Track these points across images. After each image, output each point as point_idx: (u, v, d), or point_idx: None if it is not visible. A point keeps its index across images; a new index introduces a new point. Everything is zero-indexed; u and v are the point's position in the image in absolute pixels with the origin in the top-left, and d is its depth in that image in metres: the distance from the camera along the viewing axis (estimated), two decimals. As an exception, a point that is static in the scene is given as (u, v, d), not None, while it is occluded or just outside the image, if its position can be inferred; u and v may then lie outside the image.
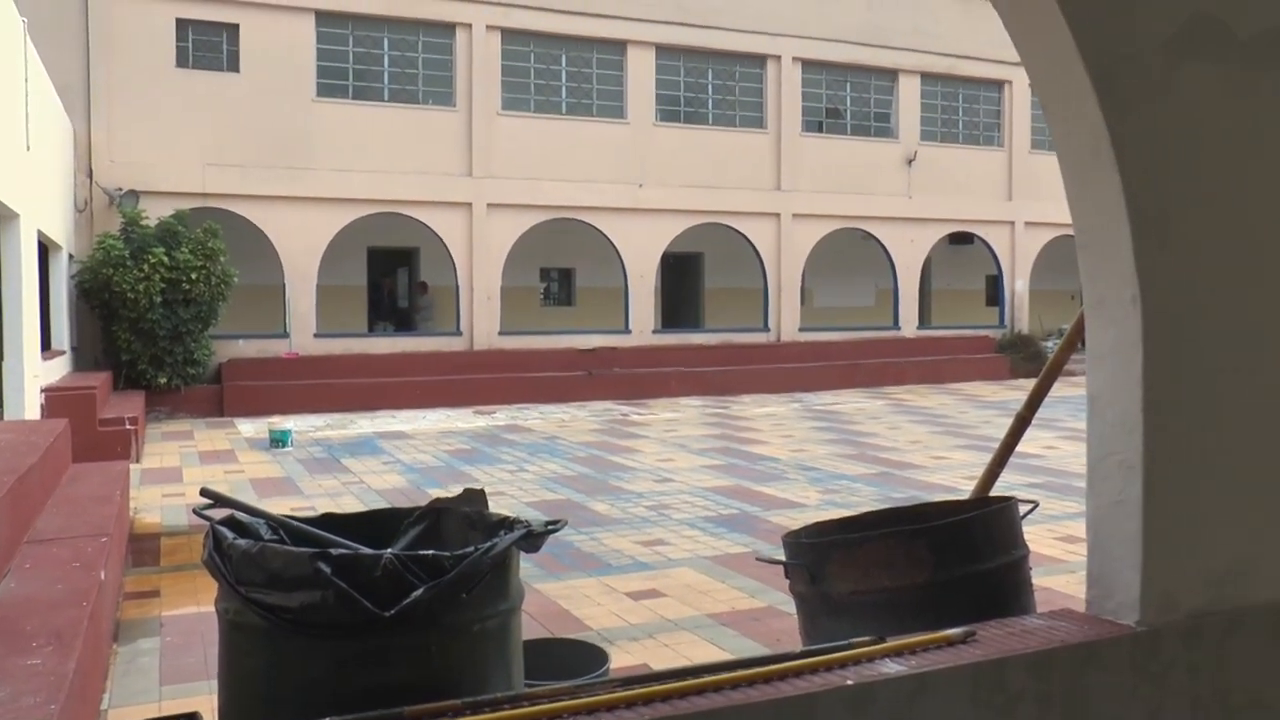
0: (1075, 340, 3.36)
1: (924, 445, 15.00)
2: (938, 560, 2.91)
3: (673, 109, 26.01)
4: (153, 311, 18.40)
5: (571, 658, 2.88)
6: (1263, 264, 2.83)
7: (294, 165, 21.58)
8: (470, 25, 23.37)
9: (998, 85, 29.75)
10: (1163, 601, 2.65)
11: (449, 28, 23.40)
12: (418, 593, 2.04)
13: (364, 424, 18.15)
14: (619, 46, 25.09)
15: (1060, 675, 2.46)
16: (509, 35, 23.98)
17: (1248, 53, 2.76)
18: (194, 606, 6.69)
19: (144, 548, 8.64)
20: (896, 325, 28.38)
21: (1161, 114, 2.63)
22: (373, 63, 23.07)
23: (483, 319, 23.48)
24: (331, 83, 22.45)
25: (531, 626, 5.89)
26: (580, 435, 16.46)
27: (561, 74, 24.82)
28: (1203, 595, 2.72)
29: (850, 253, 29.06)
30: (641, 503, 10.48)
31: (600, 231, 24.60)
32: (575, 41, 24.69)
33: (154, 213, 19.41)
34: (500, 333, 23.75)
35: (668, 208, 25.06)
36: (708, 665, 2.33)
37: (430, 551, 2.15)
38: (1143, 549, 2.62)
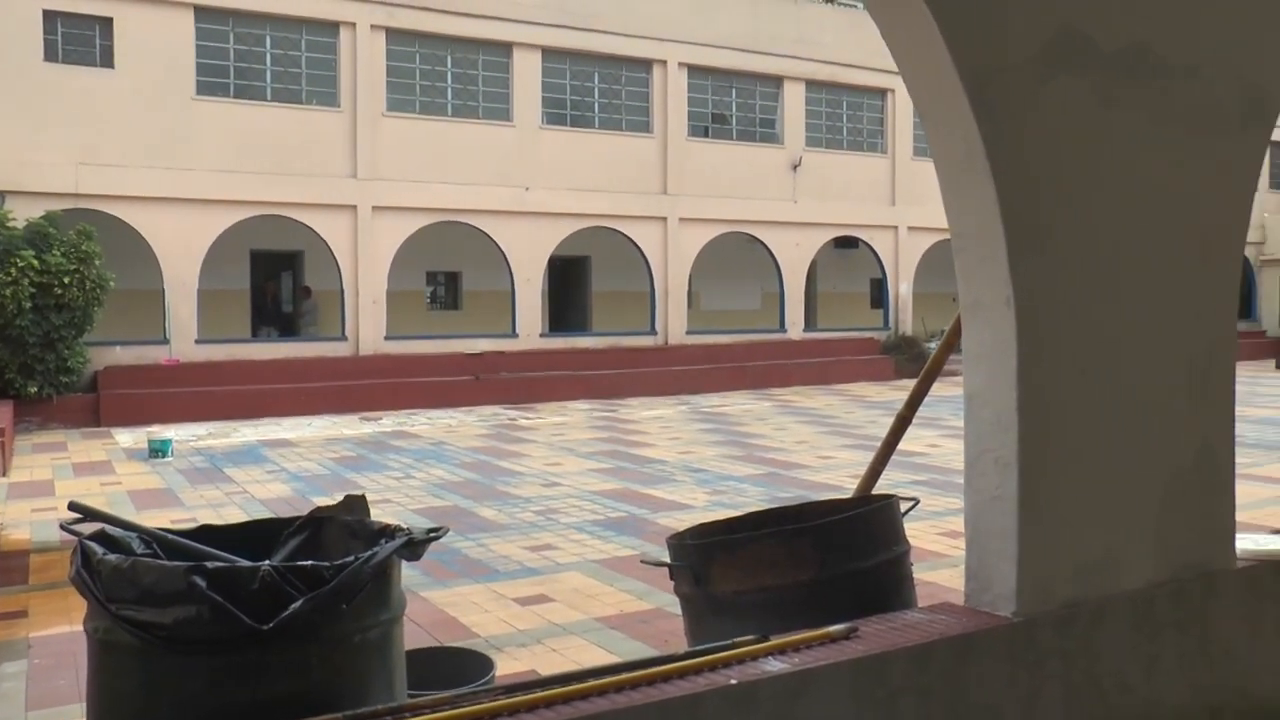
0: (953, 341, 3.44)
1: (810, 445, 15.22)
2: (820, 558, 2.95)
3: (559, 112, 25.97)
4: (21, 317, 17.68)
5: (457, 666, 2.85)
6: (1126, 268, 2.95)
7: (173, 165, 20.95)
8: (354, 24, 22.99)
9: (881, 94, 30.37)
10: (1037, 592, 2.73)
11: (332, 26, 23.00)
12: (296, 605, 2.00)
13: (247, 432, 17.72)
14: (504, 49, 24.96)
15: (940, 667, 2.52)
16: (394, 35, 23.66)
17: (1112, 66, 2.87)
18: (66, 626, 6.44)
19: (11, 565, 8.29)
20: (783, 328, 28.76)
21: (1032, 124, 2.71)
22: (255, 61, 22.52)
23: (368, 323, 23.13)
24: (212, 80, 21.84)
25: (417, 635, 5.81)
26: (468, 440, 16.32)
27: (447, 75, 24.58)
28: (1074, 585, 2.82)
29: (737, 256, 29.36)
30: (529, 508, 10.43)
31: (487, 235, 24.42)
32: (461, 43, 24.48)
33: (22, 214, 18.66)
34: (386, 337, 23.42)
35: (554, 211, 25.01)
36: (594, 669, 2.33)
37: (310, 562, 2.10)
38: (1018, 543, 2.71)
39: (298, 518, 2.60)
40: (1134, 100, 2.96)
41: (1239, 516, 3.43)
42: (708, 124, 28.24)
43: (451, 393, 22.23)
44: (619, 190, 25.93)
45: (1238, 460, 3.45)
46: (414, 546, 2.21)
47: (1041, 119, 2.74)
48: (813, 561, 2.95)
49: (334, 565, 2.09)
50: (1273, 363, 32.79)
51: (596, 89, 26.51)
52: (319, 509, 2.61)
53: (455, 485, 11.93)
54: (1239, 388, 3.49)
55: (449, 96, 24.61)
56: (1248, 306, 39.69)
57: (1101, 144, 2.88)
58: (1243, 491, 3.75)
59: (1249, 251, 38.89)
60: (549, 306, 27.11)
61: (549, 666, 5.57)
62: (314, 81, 23.01)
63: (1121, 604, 2.94)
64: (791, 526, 3.12)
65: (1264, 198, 39.68)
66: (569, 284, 28.97)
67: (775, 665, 2.34)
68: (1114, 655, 2.92)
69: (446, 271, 28.05)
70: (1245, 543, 3.43)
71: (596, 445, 15.48)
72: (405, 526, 2.31)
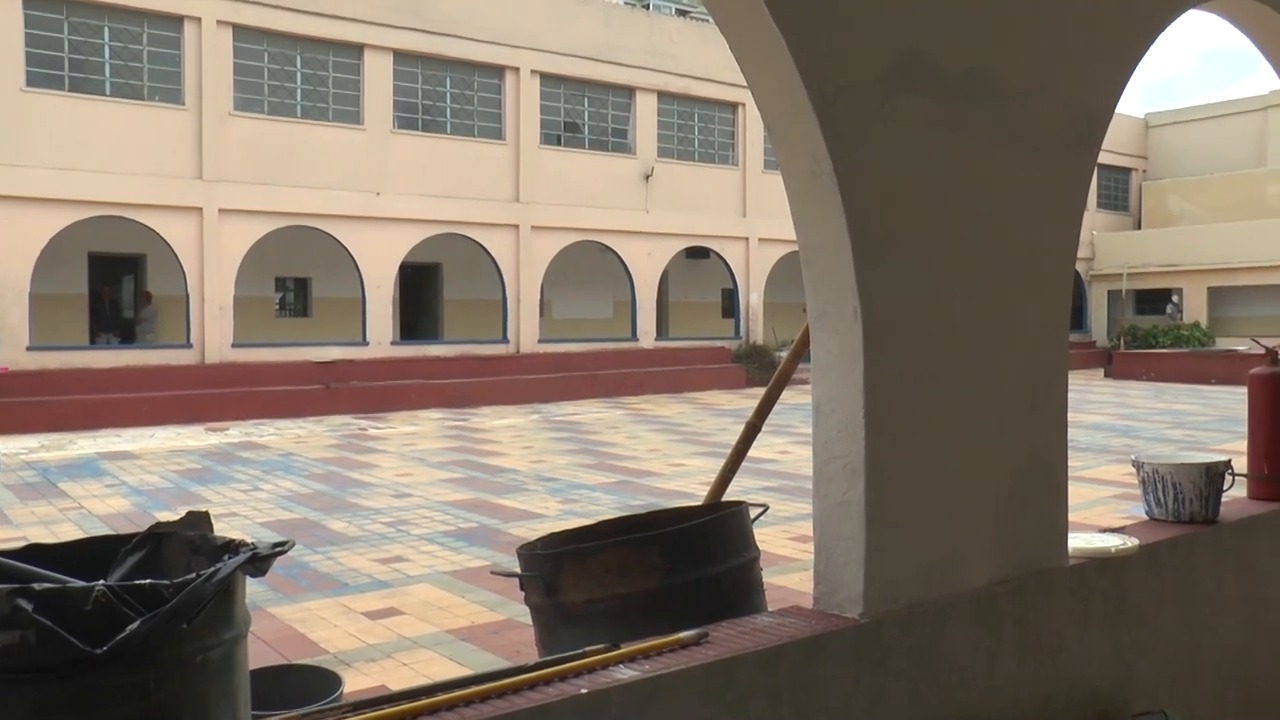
0: (801, 350, 3.51)
1: (662, 453, 15.35)
2: (670, 565, 2.97)
3: (411, 116, 25.64)
4: None
5: (303, 684, 2.77)
6: (968, 281, 3.07)
7: (2, 161, 19.89)
8: (199, 19, 22.23)
9: (732, 107, 30.87)
10: (883, 594, 2.81)
11: (176, 20, 22.18)
12: (133, 626, 1.91)
13: (85, 444, 16.96)
14: (355, 50, 24.51)
15: (789, 669, 2.57)
16: (241, 32, 22.97)
17: (954, 88, 2.98)
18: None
19: None
20: (635, 336, 28.94)
21: (878, 141, 2.79)
22: (92, 53, 21.55)
23: (215, 330, 22.38)
24: (45, 72, 20.81)
25: (264, 653, 5.66)
26: (317, 451, 15.96)
27: (297, 75, 24.00)
28: (919, 586, 2.91)
29: (589, 265, 29.45)
30: (380, 519, 10.26)
31: (337, 240, 23.93)
32: (311, 42, 23.94)
33: None
34: (233, 345, 22.71)
35: (406, 217, 24.66)
36: (443, 683, 2.29)
37: (148, 581, 2.02)
38: (865, 546, 2.78)
39: (136, 534, 2.49)
40: (974, 120, 3.07)
41: (1072, 516, 3.59)
42: (560, 132, 28.28)
43: (301, 402, 21.69)
44: (471, 197, 25.73)
45: (1070, 463, 3.61)
46: (259, 562, 2.14)
47: (887, 136, 2.82)
48: (663, 569, 2.96)
49: (174, 584, 2.01)
50: (1102, 371, 34.42)
51: (449, 94, 26.26)
52: (159, 524, 2.50)
53: (304, 497, 11.65)
54: (1072, 395, 3.66)
55: (298, 97, 24.05)
56: (1079, 318, 41.68)
57: (944, 161, 2.99)
58: (1075, 493, 3.93)
59: (1080, 267, 40.81)
60: (400, 314, 26.73)
61: (398, 681, 5.48)
62: (157, 77, 22.17)
63: (964, 602, 3.05)
64: (641, 534, 3.13)
65: (1093, 217, 41.81)
66: (421, 291, 28.61)
67: (626, 673, 2.34)
68: (957, 651, 3.02)
69: (296, 277, 27.39)
70: (1077, 541, 3.59)
71: (448, 455, 15.32)
72: (250, 541, 2.24)
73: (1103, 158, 41.93)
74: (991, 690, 3.13)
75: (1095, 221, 42.45)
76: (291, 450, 16.08)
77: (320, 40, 24.00)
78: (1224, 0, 4.42)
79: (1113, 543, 3.67)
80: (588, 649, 2.46)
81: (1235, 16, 4.70)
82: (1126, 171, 45.58)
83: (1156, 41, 3.85)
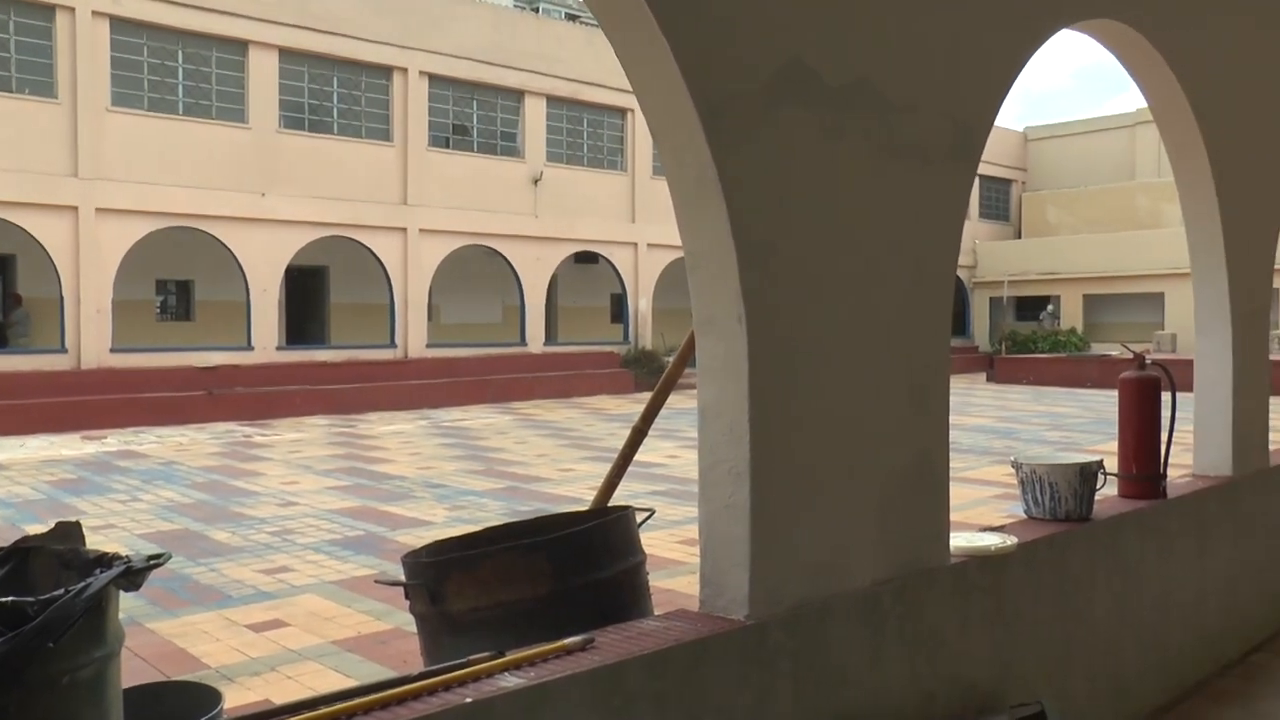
0: (687, 356, 3.54)
1: (551, 458, 15.31)
2: (556, 571, 2.97)
3: (297, 116, 25.15)
4: None
5: (181, 701, 2.69)
6: (851, 288, 3.12)
7: None
8: (73, 9, 21.41)
9: (621, 113, 30.95)
10: (769, 595, 2.85)
11: (47, 9, 21.35)
12: (-7, 646, 1.83)
13: (-54, 453, 16.28)
14: (240, 46, 23.94)
15: (676, 672, 2.58)
16: (118, 24, 22.20)
17: (837, 100, 3.04)
18: None
19: None
20: (524, 341, 28.81)
21: (763, 150, 2.83)
22: (-46, 44, 20.68)
23: (91, 335, 21.62)
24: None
25: (140, 671, 5.49)
26: (200, 459, 15.54)
27: (178, 71, 23.33)
28: (803, 587, 2.95)
29: (477, 269, 29.25)
30: (264, 528, 10.03)
31: (220, 242, 23.32)
32: (193, 37, 23.29)
33: None
34: (112, 349, 21.95)
35: (292, 218, 24.17)
36: (327, 695, 2.26)
37: (10, 598, 1.94)
38: (750, 548, 2.81)
39: (1, 549, 2.39)
40: (857, 131, 3.14)
41: (953, 516, 3.68)
42: (449, 135, 28.04)
43: (183, 409, 21.08)
44: (358, 199, 25.35)
45: (953, 465, 3.70)
46: (133, 575, 2.07)
47: (771, 145, 2.86)
48: (549, 575, 2.96)
49: (40, 600, 1.93)
50: (984, 375, 35.35)
51: (336, 94, 25.84)
52: (26, 538, 2.41)
53: (186, 507, 11.33)
54: (955, 398, 3.75)
55: (180, 94, 23.38)
56: (962, 324, 42.80)
57: (827, 170, 3.04)
58: (957, 493, 4.03)
59: (963, 274, 41.93)
60: (286, 318, 26.18)
61: (283, 695, 5.36)
62: (26, 68, 21.31)
63: (848, 602, 3.11)
64: (527, 541, 3.12)
65: (975, 226, 42.96)
66: (307, 295, 28.06)
67: (511, 680, 2.33)
68: (841, 650, 3.07)
69: (178, 280, 26.64)
70: (958, 540, 3.69)
71: (335, 462, 15.06)
72: (125, 554, 2.17)
73: (984, 169, 43.28)
74: (875, 688, 3.19)
75: (977, 230, 43.63)
76: (173, 459, 15.64)
77: (203, 35, 23.37)
78: (1094, 22, 4.59)
79: (992, 541, 3.78)
80: (473, 657, 2.44)
81: (1104, 37, 4.89)
82: (1007, 183, 46.98)
83: (1034, 58, 3.98)
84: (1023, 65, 3.98)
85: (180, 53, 23.34)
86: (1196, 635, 5.22)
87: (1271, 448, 6.30)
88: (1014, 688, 3.82)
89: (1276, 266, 6.37)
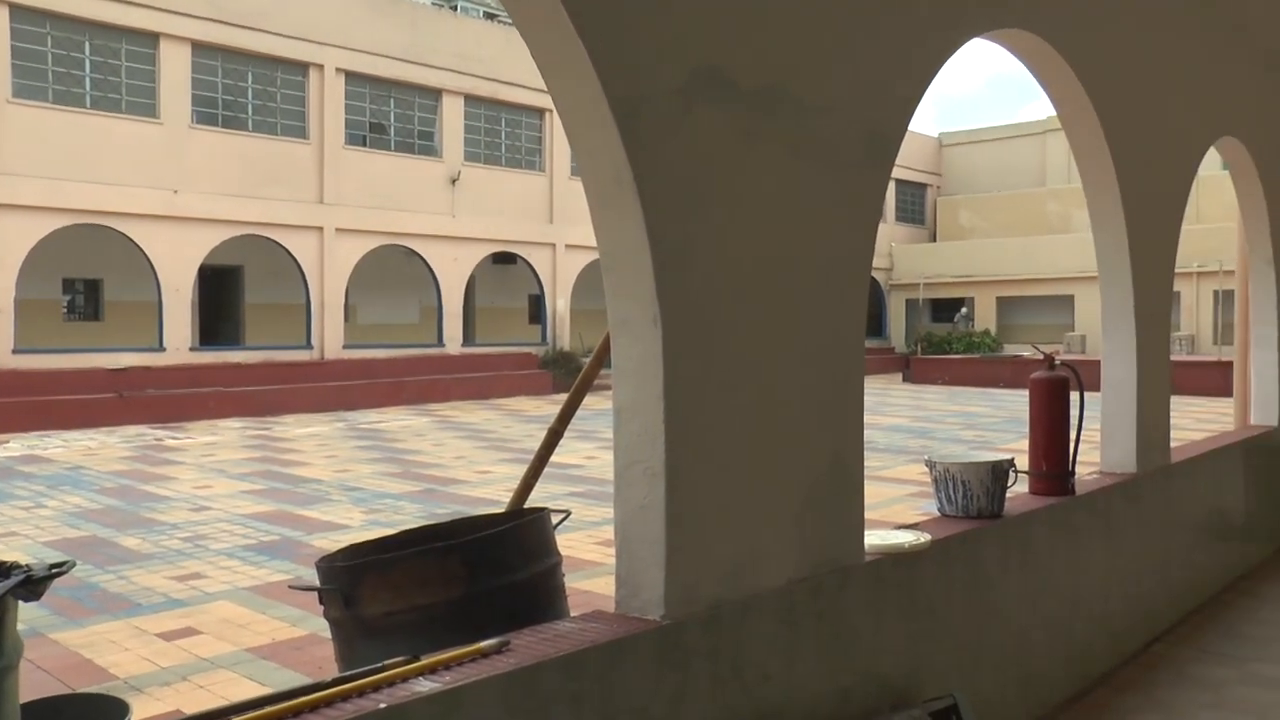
0: (603, 357, 3.53)
1: (468, 460, 15.22)
2: (471, 574, 2.95)
3: (210, 111, 24.65)
4: None
5: (86, 714, 2.62)
6: (766, 289, 3.15)
7: None
8: (-31, -1, 20.79)
9: (539, 113, 30.87)
10: (685, 595, 2.85)
11: (-58, 1, 20.69)
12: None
13: None
14: (151, 39, 23.38)
15: (591, 673, 2.58)
16: (20, 13, 21.49)
17: (751, 102, 3.06)
18: None
19: None
20: (441, 342, 28.59)
21: (678, 152, 2.84)
22: None
23: (-9, 336, 20.99)
24: None
25: (43, 684, 5.36)
26: (109, 464, 15.18)
27: (85, 63, 22.70)
28: (720, 587, 2.97)
29: (395, 269, 28.97)
30: (176, 534, 9.83)
31: (131, 240, 22.75)
32: (101, 28, 22.68)
33: None
34: (15, 350, 21.28)
35: (205, 216, 23.69)
36: (239, 704, 2.22)
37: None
38: (666, 548, 2.81)
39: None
40: (772, 134, 3.16)
41: (869, 515, 3.73)
42: (366, 133, 27.73)
43: (91, 412, 20.54)
44: (274, 197, 24.95)
45: (870, 464, 3.74)
46: (34, 585, 2.01)
47: (686, 147, 2.87)
48: (463, 578, 2.94)
49: (-69, 612, 1.87)
50: (900, 376, 35.89)
51: (250, 89, 25.39)
52: (-82, 546, 2.33)
53: (94, 513, 11.06)
54: (871, 399, 3.79)
55: (87, 86, 22.74)
56: (879, 326, 43.39)
57: (742, 173, 3.06)
58: (874, 492, 4.09)
59: (880, 277, 42.53)
60: (199, 318, 25.67)
61: (194, 704, 5.27)
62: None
63: (764, 601, 3.13)
64: (442, 544, 3.10)
65: (892, 229, 43.62)
66: (221, 295, 27.54)
67: (426, 685, 2.31)
68: (757, 649, 3.09)
69: (86, 279, 25.94)
70: (873, 538, 3.73)
71: (249, 465, 14.82)
72: (25, 563, 2.10)
73: (900, 173, 43.98)
74: (791, 686, 3.21)
75: (893, 234, 44.30)
76: (80, 463, 15.25)
77: (111, 26, 22.76)
78: (1004, 32, 4.69)
79: (907, 539, 3.83)
80: (387, 662, 2.42)
81: (1014, 46, 5.00)
82: (923, 187, 47.77)
83: (950, 66, 4.05)
84: (936, 72, 4.05)
85: (88, 44, 22.73)
86: (1102, 627, 5.36)
87: (1172, 445, 6.49)
88: (928, 682, 3.88)
89: (1175, 271, 6.56)
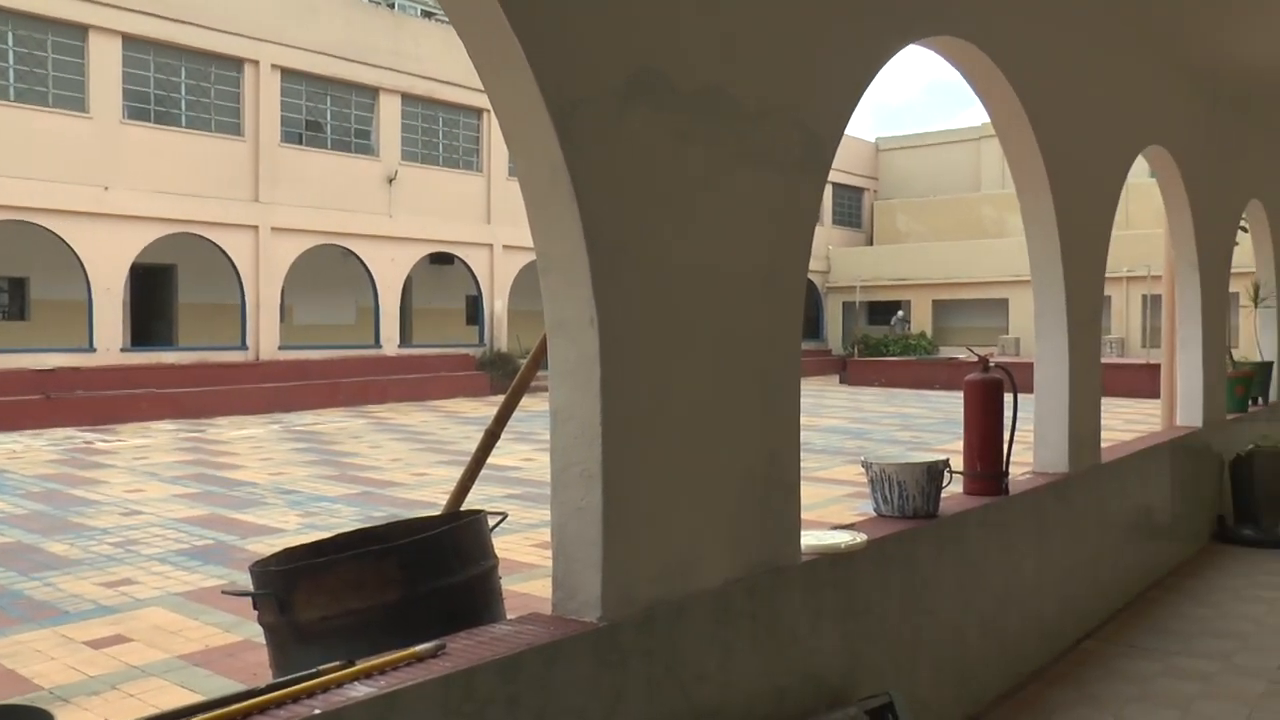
0: (540, 358, 3.53)
1: (405, 463, 15.11)
2: (407, 577, 2.93)
3: (143, 106, 24.20)
4: None
5: (7, 727, 2.56)
6: (704, 291, 3.16)
7: None
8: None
9: (476, 112, 30.72)
10: (621, 597, 2.86)
11: None
12: None
13: None
14: (79, 30, 22.88)
15: (528, 676, 2.57)
16: (-61, 5, 20.99)
17: (689, 105, 3.08)
18: None
19: None
20: (378, 343, 28.35)
21: (615, 154, 2.84)
22: None
23: (-91, 335, 20.46)
24: None
25: (-37, 694, 5.23)
26: (35, 468, 14.85)
27: (9, 55, 22.17)
28: (656, 588, 2.97)
29: (331, 269, 28.68)
30: (106, 540, 9.64)
31: (59, 237, 22.26)
32: (26, 19, 22.14)
33: None
34: (-67, 351, 20.81)
35: (137, 214, 23.26)
36: (169, 713, 2.18)
37: None
38: (602, 550, 2.81)
39: None
40: (709, 137, 3.17)
41: (806, 515, 3.75)
42: (302, 131, 27.41)
43: (17, 414, 20.07)
44: (208, 195, 24.57)
45: (807, 464, 3.77)
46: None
47: (624, 149, 2.87)
48: (399, 581, 2.91)
49: None
50: (837, 378, 36.19)
51: (184, 84, 24.96)
52: None
53: (19, 519, 10.81)
54: (808, 400, 3.82)
55: (11, 78, 22.21)
56: (816, 328, 43.72)
57: (680, 176, 3.07)
58: (811, 492, 4.12)
59: (817, 279, 42.86)
60: (131, 318, 25.21)
61: (123, 714, 5.18)
62: None
63: (701, 602, 3.14)
64: (378, 547, 3.07)
65: (829, 232, 43.98)
66: (154, 294, 27.07)
67: (361, 690, 2.29)
68: (693, 649, 3.10)
69: (11, 277, 25.34)
70: (809, 539, 3.76)
71: (182, 469, 14.59)
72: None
73: (838, 177, 44.38)
74: (728, 686, 3.23)
75: (831, 237, 44.67)
76: (5, 467, 14.90)
77: (38, 17, 22.22)
78: (939, 39, 4.75)
79: (843, 539, 3.86)
80: (322, 668, 2.39)
81: (949, 54, 5.07)
82: (860, 191, 48.23)
83: (890, 73, 4.11)
84: (872, 77, 4.09)
85: (10, 34, 22.19)
86: (1035, 624, 5.45)
87: (1102, 446, 6.62)
88: (864, 680, 3.92)
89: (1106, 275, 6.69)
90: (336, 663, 2.41)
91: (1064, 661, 5.59)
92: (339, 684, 2.33)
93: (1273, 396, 11.18)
